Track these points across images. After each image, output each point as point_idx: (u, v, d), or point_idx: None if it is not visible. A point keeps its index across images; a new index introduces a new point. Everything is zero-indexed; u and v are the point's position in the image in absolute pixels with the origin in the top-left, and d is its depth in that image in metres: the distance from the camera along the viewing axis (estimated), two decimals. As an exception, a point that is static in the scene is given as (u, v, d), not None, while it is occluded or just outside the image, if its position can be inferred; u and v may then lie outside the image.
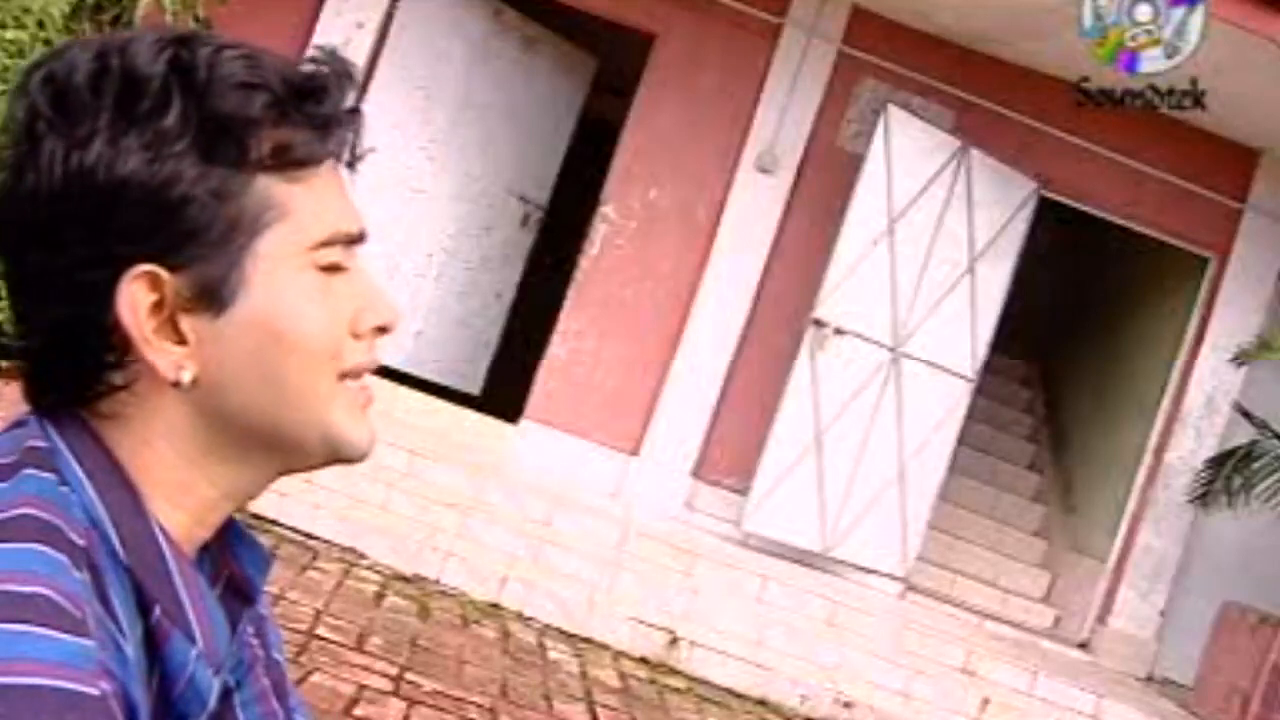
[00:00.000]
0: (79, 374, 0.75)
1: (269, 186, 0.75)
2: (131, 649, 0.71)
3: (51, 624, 0.65)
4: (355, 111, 0.79)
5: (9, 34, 4.08)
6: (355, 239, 0.80)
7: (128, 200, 0.72)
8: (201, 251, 0.73)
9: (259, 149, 0.74)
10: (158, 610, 0.73)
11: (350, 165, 0.81)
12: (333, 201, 0.78)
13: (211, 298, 0.74)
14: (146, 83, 0.72)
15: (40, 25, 4.28)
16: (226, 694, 0.83)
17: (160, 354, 0.74)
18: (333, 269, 0.78)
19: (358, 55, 6.75)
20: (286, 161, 0.75)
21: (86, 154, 0.71)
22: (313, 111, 0.76)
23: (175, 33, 0.75)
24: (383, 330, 0.81)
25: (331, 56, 0.78)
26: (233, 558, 0.85)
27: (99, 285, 0.73)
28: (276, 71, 0.74)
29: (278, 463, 0.81)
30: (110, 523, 0.73)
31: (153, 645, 0.73)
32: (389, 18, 6.84)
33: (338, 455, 0.81)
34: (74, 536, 0.70)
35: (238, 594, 0.85)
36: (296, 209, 0.76)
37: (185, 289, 0.74)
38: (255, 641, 0.89)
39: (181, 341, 0.75)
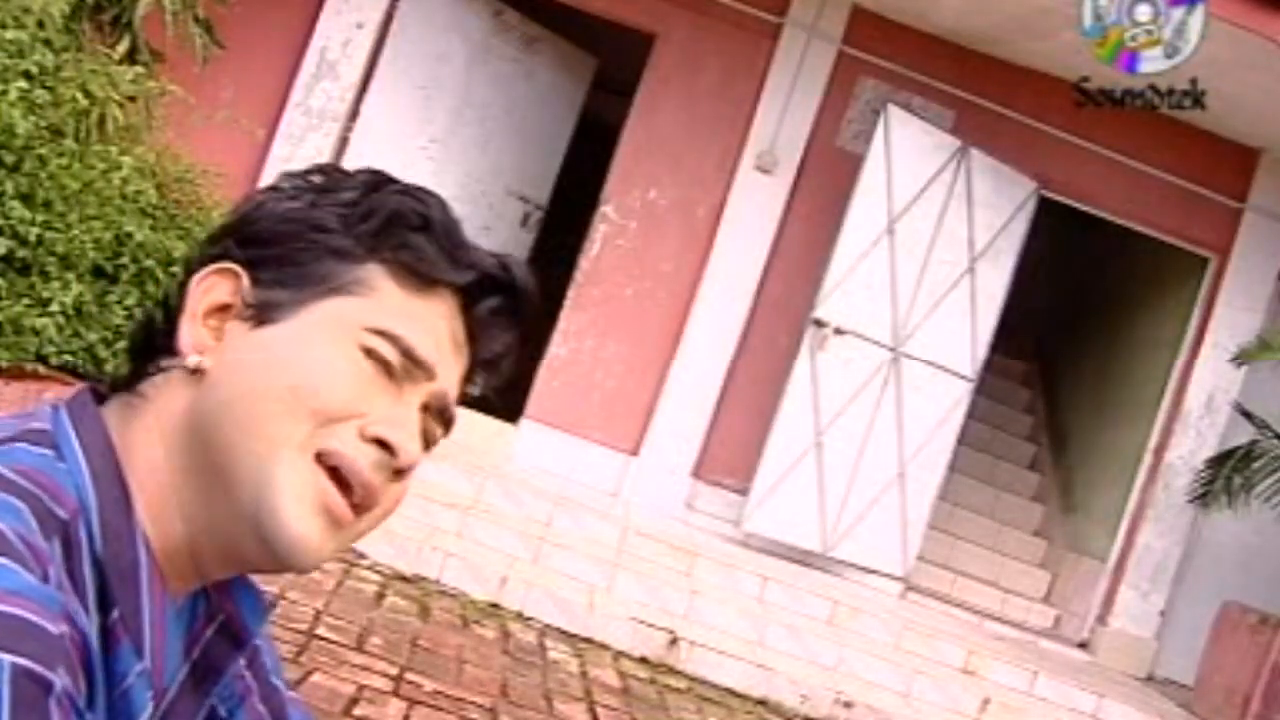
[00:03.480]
0: (146, 348, 0.82)
1: (376, 273, 0.82)
2: (93, 628, 0.69)
3: (10, 556, 0.63)
4: (492, 283, 0.86)
5: (9, 34, 4.08)
6: (418, 362, 0.81)
7: (282, 232, 0.84)
8: (288, 278, 0.81)
9: (388, 241, 0.82)
10: (116, 613, 0.72)
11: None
12: (416, 323, 0.82)
13: (262, 313, 0.80)
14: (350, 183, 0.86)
15: (40, 25, 4.28)
16: None
17: (193, 331, 0.81)
18: (379, 361, 0.80)
19: (358, 55, 6.75)
20: (406, 265, 0.82)
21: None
22: (445, 244, 0.83)
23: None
24: (383, 445, 0.79)
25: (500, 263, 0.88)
26: (231, 601, 0.85)
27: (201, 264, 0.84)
28: (443, 210, 0.85)
29: (223, 514, 0.77)
30: (96, 511, 0.73)
31: (103, 644, 0.71)
32: (389, 18, 6.84)
33: (261, 527, 0.76)
34: (55, 508, 0.70)
35: (231, 637, 0.85)
36: (382, 299, 0.81)
37: (252, 298, 0.81)
38: (247, 674, 0.89)
39: (218, 340, 0.81)
